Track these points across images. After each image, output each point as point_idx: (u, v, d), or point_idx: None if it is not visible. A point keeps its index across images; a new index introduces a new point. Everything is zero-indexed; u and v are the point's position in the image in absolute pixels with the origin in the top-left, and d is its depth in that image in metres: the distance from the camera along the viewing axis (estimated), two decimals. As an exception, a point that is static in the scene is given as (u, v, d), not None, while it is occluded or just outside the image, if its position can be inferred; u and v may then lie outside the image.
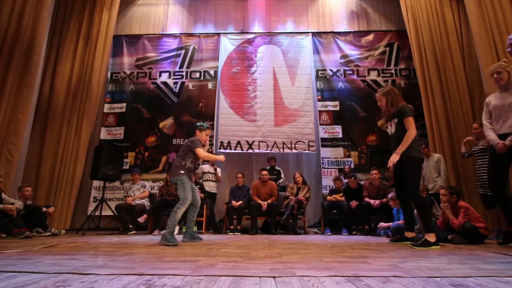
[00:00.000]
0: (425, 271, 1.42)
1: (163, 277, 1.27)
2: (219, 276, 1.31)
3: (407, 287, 1.10)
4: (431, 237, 2.66)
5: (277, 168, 6.25)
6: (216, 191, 5.90)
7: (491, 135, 2.70)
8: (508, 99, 2.57)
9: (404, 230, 3.20)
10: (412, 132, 2.83)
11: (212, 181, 5.85)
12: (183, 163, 3.20)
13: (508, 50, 2.61)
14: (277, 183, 5.85)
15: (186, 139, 6.69)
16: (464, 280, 1.21)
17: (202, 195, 4.97)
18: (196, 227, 5.04)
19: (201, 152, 3.23)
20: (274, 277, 1.29)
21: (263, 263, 1.70)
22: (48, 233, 4.28)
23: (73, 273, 1.35)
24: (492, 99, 2.73)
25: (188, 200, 3.01)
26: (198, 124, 3.47)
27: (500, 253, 2.09)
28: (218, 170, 5.99)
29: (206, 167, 5.96)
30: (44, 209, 4.38)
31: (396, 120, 2.96)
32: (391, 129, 3.02)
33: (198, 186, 5.38)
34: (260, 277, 1.29)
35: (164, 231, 2.91)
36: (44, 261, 1.73)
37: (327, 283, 1.19)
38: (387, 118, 3.08)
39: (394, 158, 2.84)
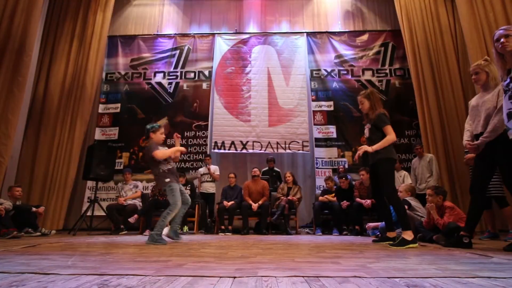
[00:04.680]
0: (389, 272, 1.41)
1: (121, 277, 1.27)
2: (180, 276, 1.31)
3: (360, 288, 1.09)
4: (408, 235, 2.67)
5: (276, 169, 6.24)
6: (213, 191, 5.79)
7: (464, 137, 2.72)
8: (483, 98, 2.52)
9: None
10: (392, 136, 2.89)
11: (208, 181, 5.79)
12: (161, 171, 3.16)
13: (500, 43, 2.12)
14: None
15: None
16: (423, 281, 1.20)
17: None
18: (187, 228, 5.05)
19: (159, 153, 3.12)
20: (234, 277, 1.28)
21: (232, 263, 1.70)
22: (38, 234, 4.29)
23: (35, 273, 1.35)
24: (473, 100, 2.70)
25: (178, 206, 3.08)
26: (149, 126, 3.32)
27: (476, 253, 2.08)
28: (214, 168, 5.85)
29: (202, 170, 5.94)
30: (34, 209, 4.39)
31: (369, 126, 3.04)
32: (366, 132, 3.09)
33: (189, 186, 5.38)
34: (220, 277, 1.29)
35: (152, 232, 3.03)
36: (15, 261, 1.74)
37: (283, 283, 1.18)
38: (367, 121, 3.11)
39: (366, 148, 2.91)
